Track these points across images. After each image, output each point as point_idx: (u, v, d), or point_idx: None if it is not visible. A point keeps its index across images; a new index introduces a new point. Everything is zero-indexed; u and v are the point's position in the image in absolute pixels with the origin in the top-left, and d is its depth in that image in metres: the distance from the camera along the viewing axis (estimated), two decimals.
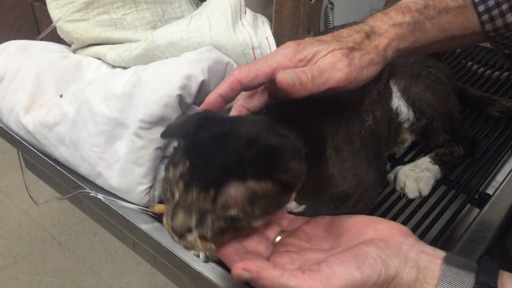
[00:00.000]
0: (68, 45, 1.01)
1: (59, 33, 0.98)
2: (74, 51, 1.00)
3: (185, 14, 1.10)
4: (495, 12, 0.63)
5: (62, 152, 0.79)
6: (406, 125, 0.81)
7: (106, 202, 0.73)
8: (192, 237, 0.52)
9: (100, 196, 0.74)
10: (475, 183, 0.83)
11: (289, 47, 0.59)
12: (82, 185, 0.77)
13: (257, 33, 0.79)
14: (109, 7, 1.01)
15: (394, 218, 0.75)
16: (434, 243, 0.71)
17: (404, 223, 0.74)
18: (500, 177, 0.85)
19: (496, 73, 1.16)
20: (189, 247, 0.53)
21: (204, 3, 0.85)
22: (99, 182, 0.76)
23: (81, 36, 0.94)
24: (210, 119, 0.53)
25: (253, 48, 0.78)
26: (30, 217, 2.18)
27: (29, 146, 0.84)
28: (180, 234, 0.52)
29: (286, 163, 0.50)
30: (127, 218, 0.72)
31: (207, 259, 0.66)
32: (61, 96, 0.86)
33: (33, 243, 2.06)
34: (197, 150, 0.51)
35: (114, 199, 0.74)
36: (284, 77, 0.53)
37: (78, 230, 2.13)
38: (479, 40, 0.68)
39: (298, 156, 0.52)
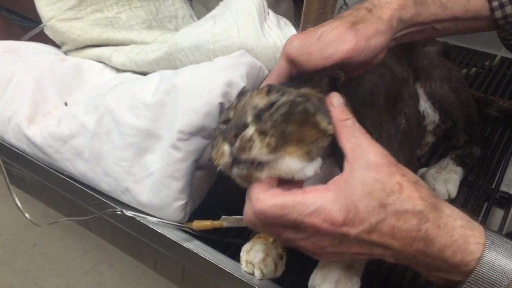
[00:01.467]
0: (57, 46, 0.92)
1: (48, 33, 0.89)
2: (66, 53, 0.91)
3: (178, 12, 1.04)
4: None
5: (79, 167, 0.71)
6: (430, 127, 0.82)
7: (142, 221, 0.67)
8: (250, 131, 0.48)
9: (130, 213, 0.68)
10: (491, 182, 0.85)
11: (295, 39, 0.59)
12: (109, 202, 0.70)
13: (284, 35, 0.76)
14: (102, 4, 0.93)
15: None
16: None
17: None
18: (509, 175, 0.88)
19: (464, 70, 1.20)
20: (245, 147, 0.47)
21: (222, 3, 0.80)
22: (125, 198, 0.70)
23: (78, 36, 0.86)
24: None
25: None
26: None
27: (34, 160, 0.75)
28: (235, 134, 0.48)
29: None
30: (169, 237, 0.66)
31: (262, 276, 0.62)
32: (65, 104, 0.78)
33: None
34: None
35: (146, 216, 0.68)
36: (293, 47, 0.56)
37: (14, 242, 1.95)
38: (484, 27, 0.69)
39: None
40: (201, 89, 0.64)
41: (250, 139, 0.47)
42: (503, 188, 0.85)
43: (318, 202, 0.45)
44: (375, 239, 0.46)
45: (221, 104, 0.65)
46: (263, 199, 0.47)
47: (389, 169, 0.47)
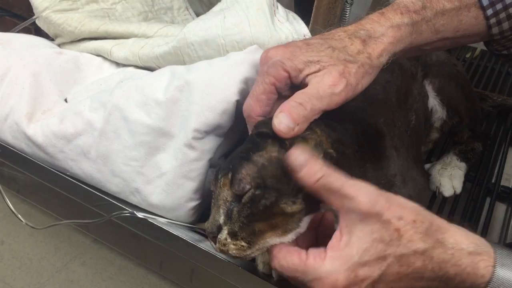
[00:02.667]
0: (49, 38, 0.87)
1: (41, 24, 0.84)
2: (60, 46, 0.86)
3: (174, 4, 1.01)
4: (502, 15, 0.64)
5: (84, 168, 0.68)
6: (437, 124, 0.82)
7: (154, 223, 0.65)
8: (223, 235, 0.51)
9: (141, 215, 0.65)
10: (491, 177, 0.87)
11: (278, 54, 0.55)
12: (117, 203, 0.67)
13: (295, 30, 0.74)
14: None
15: None
16: None
17: None
18: (508, 169, 0.90)
19: None
20: (224, 250, 0.50)
21: None
22: (134, 199, 0.67)
23: (75, 29, 0.81)
24: None
25: None
26: None
27: (33, 159, 0.71)
28: (213, 236, 0.51)
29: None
30: (184, 238, 0.64)
31: (279, 277, 0.61)
32: (65, 100, 0.74)
33: None
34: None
35: (158, 218, 0.65)
36: (279, 128, 0.51)
37: None
38: (472, 42, 0.68)
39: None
40: (217, 86, 0.62)
41: (225, 243, 0.50)
42: (503, 182, 0.87)
43: (317, 272, 0.45)
44: None
45: (238, 102, 0.63)
46: (277, 258, 0.48)
47: (384, 218, 0.45)
